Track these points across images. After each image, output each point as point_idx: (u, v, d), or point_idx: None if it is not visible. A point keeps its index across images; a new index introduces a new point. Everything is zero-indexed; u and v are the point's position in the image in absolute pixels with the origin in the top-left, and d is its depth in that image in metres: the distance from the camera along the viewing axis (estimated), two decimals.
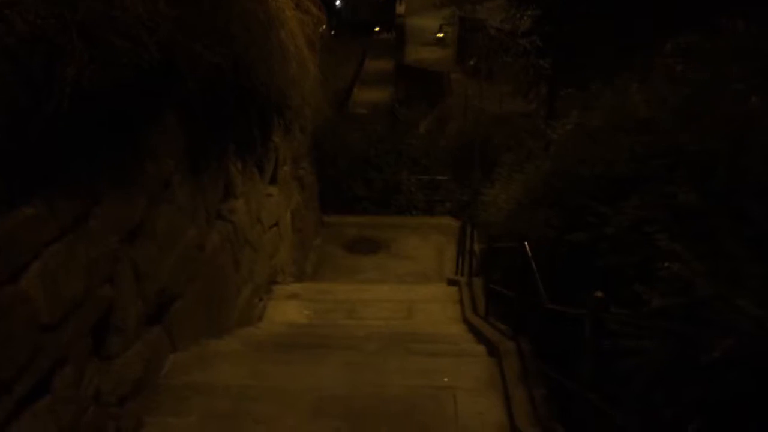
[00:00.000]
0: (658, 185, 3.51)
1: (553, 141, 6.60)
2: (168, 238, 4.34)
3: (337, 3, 36.52)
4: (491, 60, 14.02)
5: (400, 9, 31.31)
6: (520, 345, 4.21)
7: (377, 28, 38.36)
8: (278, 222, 8.34)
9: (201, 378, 4.08)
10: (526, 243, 4.13)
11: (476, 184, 13.69)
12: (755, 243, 2.74)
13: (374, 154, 14.69)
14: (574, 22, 11.26)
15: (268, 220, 7.73)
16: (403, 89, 22.82)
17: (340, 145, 14.29)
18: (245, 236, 6.54)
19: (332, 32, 21.80)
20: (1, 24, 2.41)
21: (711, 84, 3.97)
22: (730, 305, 2.38)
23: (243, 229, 6.46)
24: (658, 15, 9.20)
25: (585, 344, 2.60)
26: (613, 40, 10.09)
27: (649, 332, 2.57)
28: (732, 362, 2.20)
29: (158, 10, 3.33)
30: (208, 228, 5.31)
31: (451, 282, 9.07)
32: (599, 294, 2.57)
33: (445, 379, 4.09)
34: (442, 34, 27.22)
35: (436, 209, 14.31)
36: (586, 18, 11.01)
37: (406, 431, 3.60)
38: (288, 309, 7.39)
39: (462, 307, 7.31)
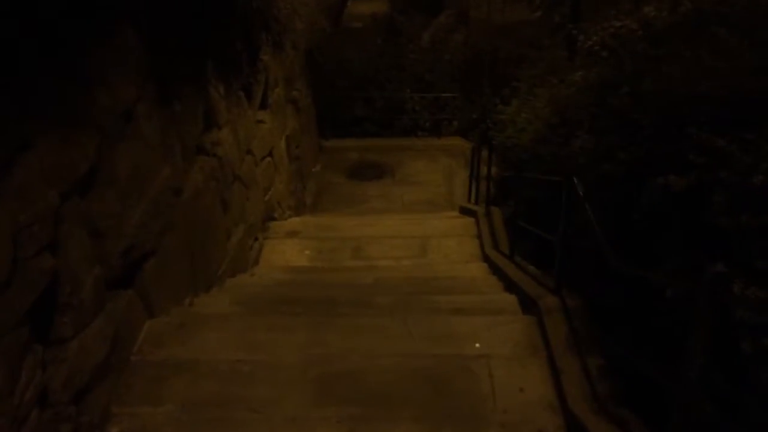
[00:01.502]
0: None
1: (588, 48, 5.69)
2: (134, 184, 3.60)
3: None
4: None
5: None
6: (565, 301, 3.53)
7: None
8: (272, 151, 7.56)
9: (182, 352, 3.43)
10: (575, 179, 3.36)
11: (486, 100, 12.79)
12: None
13: (374, 71, 13.68)
14: None
15: (260, 151, 6.95)
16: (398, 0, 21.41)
17: (337, 62, 13.28)
18: (234, 171, 5.79)
19: None
20: None
21: None
22: None
23: (231, 164, 5.70)
24: None
25: (695, 336, 1.90)
26: None
27: None
28: None
29: None
30: (186, 166, 4.55)
31: (465, 211, 8.37)
32: (721, 268, 1.84)
33: (477, 345, 3.43)
34: None
35: (444, 129, 13.44)
36: None
37: (433, 417, 2.97)
38: (287, 249, 6.72)
39: (481, 242, 6.64)
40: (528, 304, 3.88)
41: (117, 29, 3.48)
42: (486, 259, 6.17)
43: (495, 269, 5.56)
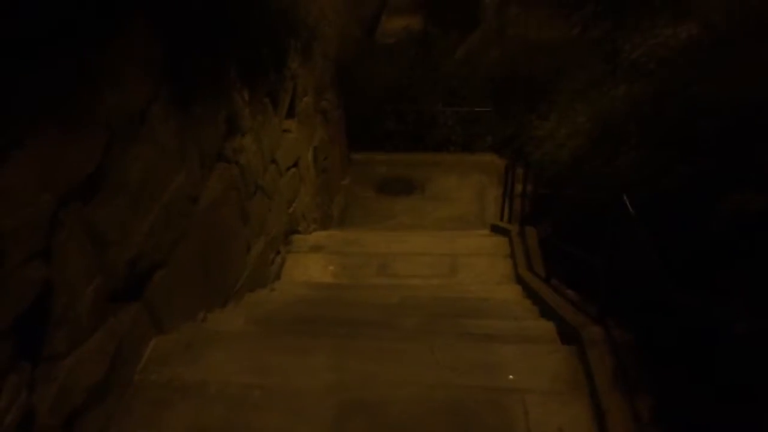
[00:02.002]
0: None
1: (633, 60, 5.38)
2: (145, 190, 3.38)
3: None
4: None
5: None
6: (610, 332, 3.20)
7: None
8: (297, 162, 7.34)
9: (189, 373, 3.17)
10: (625, 197, 3.04)
11: (521, 116, 12.46)
12: None
13: (407, 84, 13.44)
14: None
15: (284, 161, 6.74)
16: (433, 16, 21.19)
17: (369, 74, 13.07)
18: (255, 181, 5.56)
19: None
20: None
21: None
22: None
23: (252, 173, 5.48)
24: None
25: None
26: None
27: None
28: None
29: None
30: (204, 173, 4.34)
31: (497, 230, 8.04)
32: None
33: (510, 377, 3.12)
34: None
35: (476, 145, 13.11)
36: None
37: None
38: (310, 264, 6.47)
39: (514, 263, 6.31)
40: (568, 333, 3.56)
41: (131, 23, 3.27)
42: (519, 280, 5.84)
43: (529, 292, 5.23)
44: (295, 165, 7.24)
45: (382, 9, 23.83)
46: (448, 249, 6.90)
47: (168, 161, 3.73)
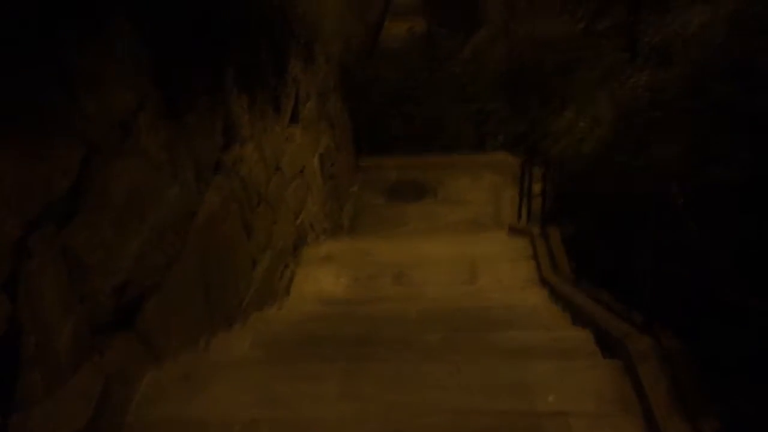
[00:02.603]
0: None
1: (655, 44, 5.03)
2: (132, 208, 3.08)
3: None
4: None
5: None
6: (662, 343, 2.84)
7: None
8: (303, 170, 7.03)
9: (188, 409, 2.85)
10: (674, 188, 2.69)
11: (534, 112, 12.10)
12: None
13: (413, 86, 13.11)
14: None
15: (289, 169, 6.42)
16: (436, 17, 20.85)
17: (374, 78, 12.76)
18: (258, 191, 5.25)
19: None
20: None
21: None
22: None
23: (255, 183, 5.17)
24: None
25: None
26: None
27: None
28: None
29: None
30: (200, 186, 4.03)
31: (516, 231, 7.68)
32: None
33: (551, 399, 2.77)
34: None
35: (488, 144, 12.75)
36: None
37: None
38: (321, 276, 6.15)
39: (538, 265, 5.95)
40: (609, 345, 3.20)
41: (112, 26, 2.97)
42: (545, 284, 5.49)
43: (557, 296, 4.88)
44: (301, 173, 6.92)
45: (385, 15, 23.51)
46: (466, 254, 6.55)
47: (158, 175, 3.42)
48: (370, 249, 6.98)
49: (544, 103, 11.67)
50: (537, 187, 7.78)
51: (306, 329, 4.19)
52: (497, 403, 2.78)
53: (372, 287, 5.91)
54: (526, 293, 5.34)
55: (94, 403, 2.55)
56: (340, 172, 9.97)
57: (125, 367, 2.89)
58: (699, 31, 4.04)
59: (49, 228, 2.42)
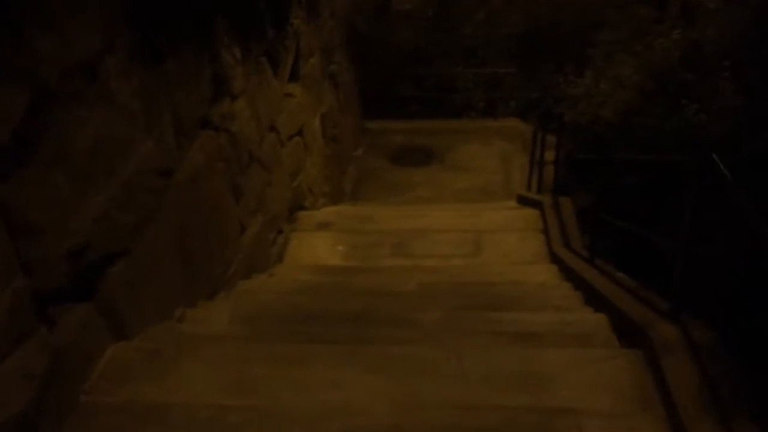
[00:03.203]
0: None
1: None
2: (95, 163, 2.73)
3: None
4: None
5: None
6: (689, 333, 2.50)
7: None
8: (302, 130, 6.65)
9: (151, 392, 2.54)
10: (715, 158, 2.31)
11: (548, 77, 11.62)
12: None
13: (423, 47, 12.62)
14: None
15: (286, 128, 6.05)
16: None
17: (383, 37, 12.27)
18: (250, 151, 4.89)
19: None
20: None
21: None
22: None
23: (246, 141, 4.81)
24: None
25: None
26: None
27: None
28: None
29: None
30: (181, 142, 3.67)
31: (525, 201, 7.32)
32: None
33: (562, 394, 2.44)
34: None
35: (499, 109, 12.31)
36: None
37: None
38: (317, 244, 5.82)
39: (548, 238, 5.61)
40: (628, 332, 2.86)
41: None
42: (555, 259, 5.15)
43: (568, 273, 4.55)
44: (299, 133, 6.55)
45: None
46: (471, 224, 6.21)
47: (129, 127, 3.06)
48: (371, 216, 6.64)
49: (559, 68, 11.21)
50: (549, 155, 7.41)
51: (295, 302, 3.87)
52: (501, 396, 2.45)
53: (370, 257, 5.59)
54: (534, 268, 5.01)
55: (38, 382, 2.23)
56: (343, 134, 9.59)
57: (81, 341, 2.57)
58: None
59: None
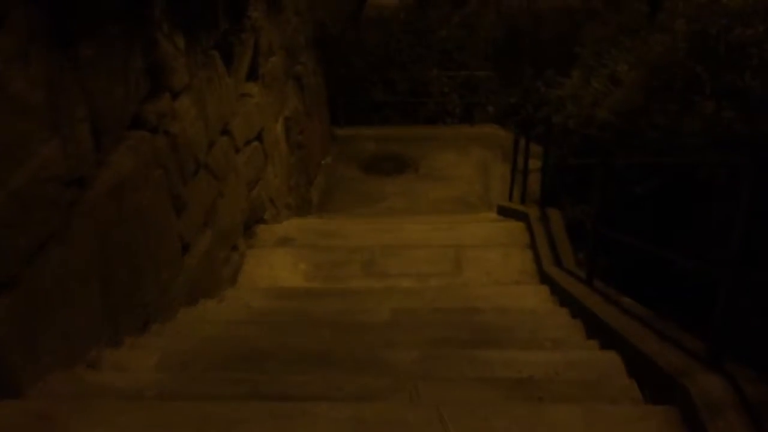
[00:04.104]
0: None
1: None
2: None
3: None
4: None
5: None
6: (741, 388, 1.95)
7: None
8: (261, 135, 6.05)
9: None
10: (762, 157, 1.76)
11: (527, 82, 11.18)
12: None
13: (396, 49, 12.09)
14: None
15: (243, 132, 5.45)
16: None
17: (354, 39, 11.73)
18: (196, 157, 4.28)
19: None
20: None
21: None
22: None
23: (192, 146, 4.20)
24: None
25: None
26: None
27: None
28: None
29: None
30: (103, 143, 3.06)
31: (507, 212, 6.80)
32: None
33: None
34: None
35: (476, 115, 11.83)
36: None
37: None
38: (276, 262, 5.21)
39: (536, 255, 5.07)
40: (654, 379, 2.30)
41: None
42: (545, 279, 4.61)
43: (563, 297, 4.00)
44: (258, 138, 5.94)
45: None
46: (449, 238, 5.65)
47: (25, 123, 2.45)
48: (338, 230, 6.05)
49: (539, 72, 10.77)
50: (533, 163, 6.91)
51: (243, 336, 3.26)
52: None
53: (337, 277, 4.99)
54: (523, 290, 4.46)
55: None
56: (310, 141, 8.99)
57: None
58: None
59: None
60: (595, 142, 4.28)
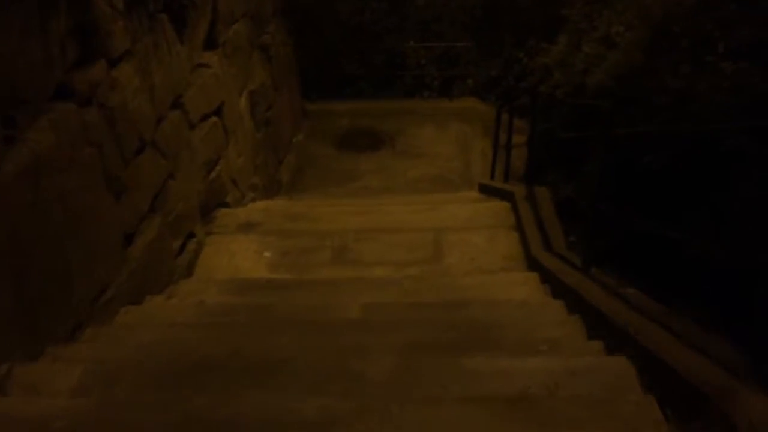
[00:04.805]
0: None
1: None
2: None
3: None
4: None
5: None
6: None
7: None
8: (222, 109, 5.55)
9: None
10: None
11: (508, 52, 10.73)
12: None
13: (370, 19, 11.56)
14: None
15: (198, 106, 4.96)
16: None
17: (326, 6, 11.17)
18: (141, 133, 3.80)
19: None
20: None
21: None
22: None
23: (134, 121, 3.72)
24: None
25: None
26: None
27: None
28: None
29: None
30: (16, 118, 2.58)
31: (490, 191, 6.39)
32: None
33: None
34: None
35: (455, 89, 11.35)
36: None
37: None
38: (237, 250, 4.76)
39: (523, 238, 4.67)
40: (681, 398, 1.90)
41: None
42: (534, 265, 4.21)
43: (556, 286, 3.60)
44: (218, 113, 5.45)
45: None
46: (428, 220, 5.23)
47: None
48: (308, 212, 5.60)
49: (521, 42, 10.34)
50: (515, 139, 6.51)
51: (188, 342, 2.81)
52: None
53: (305, 265, 4.55)
54: (511, 278, 4.05)
55: None
56: (279, 117, 8.49)
57: None
58: None
59: None
60: (591, 111, 3.86)
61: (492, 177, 7.37)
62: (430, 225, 5.06)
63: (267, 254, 4.69)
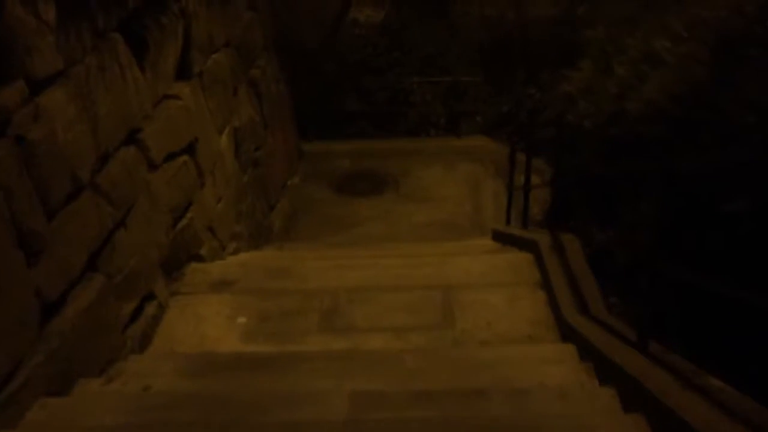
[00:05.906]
0: None
1: None
2: None
3: None
4: None
5: None
6: None
7: None
8: (194, 147, 4.86)
9: None
10: None
11: (520, 88, 10.11)
12: None
13: (372, 53, 11.01)
14: None
15: (162, 143, 4.26)
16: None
17: (323, 40, 10.62)
18: (75, 173, 3.09)
19: None
20: None
21: None
22: None
23: (65, 157, 3.01)
24: None
25: None
26: None
27: None
28: None
29: None
30: None
31: (504, 238, 5.65)
32: None
33: None
34: None
35: (463, 126, 10.70)
36: None
37: None
38: (207, 314, 4.00)
39: (552, 298, 3.91)
40: None
41: None
42: (569, 333, 3.44)
43: (602, 365, 2.83)
44: (189, 151, 4.75)
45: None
46: (436, 276, 4.47)
47: None
48: (294, 267, 4.84)
49: (533, 76, 9.75)
50: (535, 179, 5.80)
51: None
52: None
53: (286, 333, 3.79)
54: (542, 353, 3.27)
55: None
56: (270, 157, 7.81)
57: None
58: None
59: None
60: (636, 141, 3.14)
61: (508, 222, 6.65)
62: (438, 282, 4.30)
63: (241, 320, 3.93)
